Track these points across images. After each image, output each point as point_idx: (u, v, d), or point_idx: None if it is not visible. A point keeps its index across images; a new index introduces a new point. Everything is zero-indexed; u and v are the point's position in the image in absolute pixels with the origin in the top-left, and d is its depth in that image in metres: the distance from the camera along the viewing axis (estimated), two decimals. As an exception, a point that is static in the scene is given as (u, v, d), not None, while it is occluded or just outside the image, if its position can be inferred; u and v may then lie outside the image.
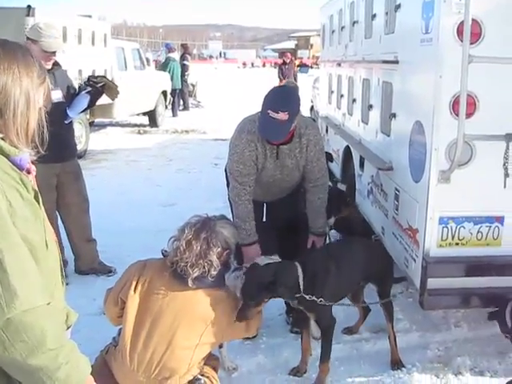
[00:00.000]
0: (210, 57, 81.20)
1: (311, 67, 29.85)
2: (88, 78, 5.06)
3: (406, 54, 3.95)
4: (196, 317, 2.98)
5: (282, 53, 29.11)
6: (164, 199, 7.92)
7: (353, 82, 5.93)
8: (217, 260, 3.07)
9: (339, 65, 6.70)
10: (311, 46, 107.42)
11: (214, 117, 17.49)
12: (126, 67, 13.36)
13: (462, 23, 3.13)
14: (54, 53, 4.69)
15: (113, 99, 4.04)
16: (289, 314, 4.38)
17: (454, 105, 3.30)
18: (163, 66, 17.33)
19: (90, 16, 12.37)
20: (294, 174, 4.03)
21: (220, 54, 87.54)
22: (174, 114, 17.33)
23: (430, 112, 3.42)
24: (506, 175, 3.32)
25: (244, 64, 71.57)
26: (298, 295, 3.41)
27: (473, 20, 3.11)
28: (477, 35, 3.23)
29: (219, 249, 3.11)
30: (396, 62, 4.13)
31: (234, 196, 3.91)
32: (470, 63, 3.06)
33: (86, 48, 11.14)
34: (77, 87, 5.10)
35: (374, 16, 4.86)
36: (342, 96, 6.58)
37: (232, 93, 26.83)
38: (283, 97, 3.80)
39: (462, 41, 3.12)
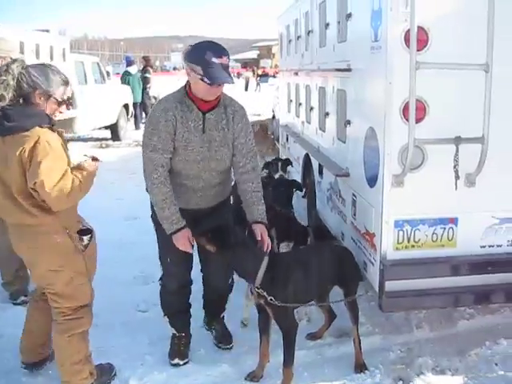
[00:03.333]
0: (174, 69, 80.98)
1: (274, 76, 30.06)
2: None
3: (358, 62, 4.04)
4: None
5: (245, 63, 29.20)
6: (126, 213, 7.86)
7: (310, 90, 6.01)
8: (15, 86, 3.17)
9: (296, 74, 6.80)
10: (273, 55, 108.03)
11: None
12: (86, 81, 13.28)
13: (408, 31, 3.22)
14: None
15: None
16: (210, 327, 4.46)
17: (404, 110, 3.38)
18: (121, 80, 17.29)
19: (47, 30, 12.27)
20: (223, 151, 3.60)
21: (182, 65, 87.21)
22: (137, 127, 17.24)
23: (381, 118, 3.49)
24: (457, 177, 3.41)
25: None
26: (256, 287, 3.48)
27: (419, 27, 3.21)
28: (423, 42, 3.33)
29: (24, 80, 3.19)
30: (349, 70, 4.21)
31: (147, 177, 3.55)
32: (417, 69, 3.15)
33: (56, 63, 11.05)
34: None
35: (327, 25, 4.94)
36: (300, 104, 6.66)
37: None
38: (216, 44, 3.48)
39: (409, 48, 3.21)
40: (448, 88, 3.43)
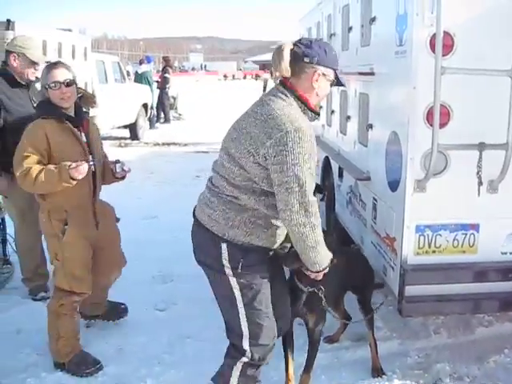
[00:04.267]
0: (193, 69, 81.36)
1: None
2: None
3: (382, 66, 4.04)
4: None
5: (263, 65, 29.27)
6: (145, 212, 7.91)
7: (331, 93, 6.01)
8: None
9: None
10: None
11: (195, 129, 17.51)
12: (106, 80, 13.38)
13: (434, 35, 3.21)
14: (38, 64, 4.71)
15: (88, 109, 4.13)
16: None
17: (428, 115, 3.38)
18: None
19: (70, 30, 12.36)
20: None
21: (201, 66, 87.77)
22: (151, 127, 17.31)
23: (405, 122, 3.49)
24: (480, 183, 3.39)
25: (225, 76, 71.71)
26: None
27: (445, 32, 3.20)
28: (449, 47, 3.32)
29: None
30: (372, 74, 4.21)
31: (310, 213, 2.68)
32: (442, 74, 3.15)
33: (66, 61, 11.13)
34: None
35: (350, 29, 4.95)
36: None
37: (213, 105, 26.89)
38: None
39: (434, 52, 3.21)
40: (472, 93, 3.42)
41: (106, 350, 4.14)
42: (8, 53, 4.66)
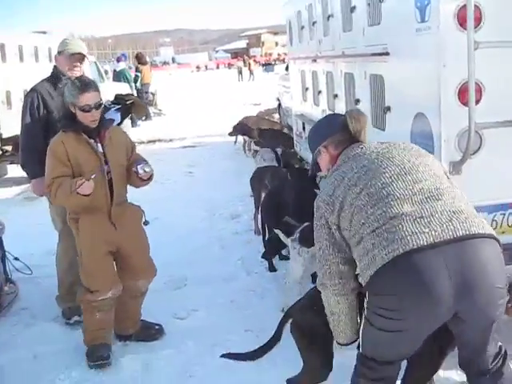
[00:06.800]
0: (164, 63, 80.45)
1: (275, 64, 29.86)
2: (115, 96, 4.96)
3: (399, 45, 3.83)
4: None
5: (235, 53, 29.18)
6: (146, 214, 7.66)
7: (332, 77, 5.81)
8: None
9: (314, 60, 6.57)
10: (262, 43, 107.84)
11: (177, 124, 17.24)
12: (85, 81, 13.04)
13: (461, 9, 3.03)
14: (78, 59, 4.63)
15: (140, 118, 4.12)
16: None
17: (460, 93, 3.20)
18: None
19: (44, 32, 12.02)
20: None
21: (172, 59, 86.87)
22: (133, 125, 16.99)
23: (435, 103, 3.30)
24: (520, 161, 3.23)
25: (198, 68, 71.13)
26: None
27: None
28: (477, 20, 3.12)
29: None
30: (386, 54, 4.00)
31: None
32: (475, 49, 2.96)
33: (43, 65, 10.80)
34: None
35: (353, 8, 4.73)
36: (319, 92, 6.46)
37: (191, 97, 26.64)
38: None
39: (462, 27, 3.04)
40: (503, 68, 3.24)
41: (132, 366, 3.94)
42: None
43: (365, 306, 2.49)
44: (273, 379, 3.50)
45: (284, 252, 5.78)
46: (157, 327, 4.39)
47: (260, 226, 6.15)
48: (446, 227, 2.30)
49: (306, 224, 4.49)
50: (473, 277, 2.27)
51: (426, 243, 2.26)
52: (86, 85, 3.86)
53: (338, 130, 2.82)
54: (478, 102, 3.21)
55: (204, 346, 4.12)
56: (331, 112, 6.00)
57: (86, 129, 3.89)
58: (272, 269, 5.53)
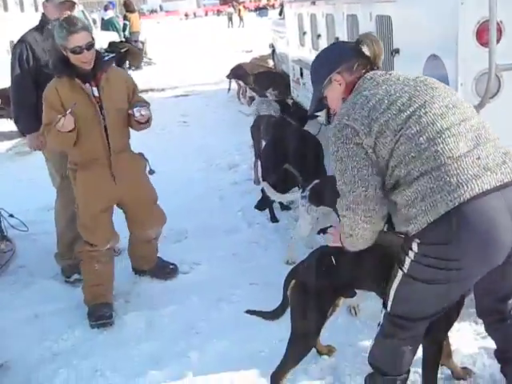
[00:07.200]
0: (152, 11, 78.55)
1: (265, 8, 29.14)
2: (109, 44, 4.75)
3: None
4: None
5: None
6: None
7: (333, 19, 5.56)
8: None
9: (314, 3, 6.29)
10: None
11: (168, 73, 16.83)
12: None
13: None
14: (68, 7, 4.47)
15: (136, 66, 3.91)
16: None
17: (479, 33, 3.02)
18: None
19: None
20: None
21: (160, 7, 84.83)
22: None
23: (451, 43, 3.11)
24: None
25: (186, 15, 69.57)
26: None
27: None
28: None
29: None
30: (395, -7, 3.78)
31: None
32: (498, -15, 2.76)
33: (29, 15, 10.42)
34: None
35: None
36: (319, 36, 6.21)
37: (181, 46, 26.07)
38: None
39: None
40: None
41: (135, 324, 3.85)
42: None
43: (407, 259, 2.28)
44: (277, 333, 3.35)
45: (286, 202, 5.68)
46: (171, 266, 4.45)
47: (260, 176, 6.00)
48: (503, 169, 2.16)
49: (316, 181, 4.35)
50: None
51: (489, 187, 2.10)
52: (73, 25, 3.65)
53: (353, 55, 2.51)
54: (497, 42, 3.01)
55: (209, 301, 4.02)
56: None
57: (81, 72, 3.73)
58: (274, 220, 5.41)
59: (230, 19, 41.97)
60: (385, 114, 2.24)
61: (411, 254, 2.25)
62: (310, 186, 4.33)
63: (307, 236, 4.48)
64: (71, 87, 3.72)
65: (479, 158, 2.16)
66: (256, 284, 4.21)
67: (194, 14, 73.16)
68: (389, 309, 2.46)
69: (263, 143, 6.18)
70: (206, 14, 74.19)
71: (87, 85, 3.75)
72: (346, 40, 5.13)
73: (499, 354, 2.69)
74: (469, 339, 3.29)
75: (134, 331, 3.76)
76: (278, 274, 4.00)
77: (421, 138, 2.18)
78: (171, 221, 5.21)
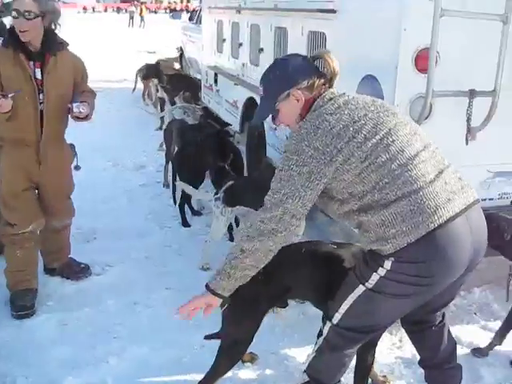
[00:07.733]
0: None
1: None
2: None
3: (349, 4, 3.72)
4: None
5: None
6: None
7: (258, 30, 5.62)
8: None
9: (239, 12, 6.32)
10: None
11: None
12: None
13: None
14: None
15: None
16: None
17: (417, 59, 3.16)
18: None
19: None
20: None
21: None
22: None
23: (389, 66, 3.25)
24: (469, 131, 3.25)
25: (85, 9, 67.57)
26: None
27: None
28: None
29: None
30: (332, 12, 3.88)
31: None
32: (441, 17, 2.91)
33: None
34: None
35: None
36: (240, 45, 6.24)
37: (79, 41, 25.03)
38: None
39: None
40: (460, 38, 3.21)
41: (47, 326, 3.66)
42: None
43: (374, 275, 2.30)
44: (198, 339, 3.26)
45: (196, 207, 5.67)
46: (82, 266, 4.30)
47: (170, 180, 5.96)
48: (462, 194, 2.30)
49: (229, 183, 4.38)
50: (483, 240, 2.38)
51: (458, 210, 2.24)
52: None
53: (313, 72, 2.44)
54: (431, 69, 3.18)
55: (124, 305, 3.92)
56: (253, 66, 5.83)
57: (27, 48, 3.53)
58: (186, 224, 5.37)
59: (132, 18, 41.25)
60: (350, 143, 2.24)
61: (381, 271, 2.28)
62: (225, 188, 4.36)
63: (221, 238, 4.53)
64: (14, 61, 3.52)
65: (446, 182, 2.27)
66: (172, 289, 4.15)
67: (93, 9, 71.23)
68: (336, 321, 2.46)
69: (175, 148, 6.15)
70: (106, 10, 72.49)
71: (31, 63, 3.57)
72: (272, 52, 5.21)
73: (425, 362, 2.82)
74: (385, 349, 3.43)
75: (47, 334, 3.57)
76: (194, 279, 4.03)
77: (393, 165, 2.23)
78: (79, 220, 5.02)
